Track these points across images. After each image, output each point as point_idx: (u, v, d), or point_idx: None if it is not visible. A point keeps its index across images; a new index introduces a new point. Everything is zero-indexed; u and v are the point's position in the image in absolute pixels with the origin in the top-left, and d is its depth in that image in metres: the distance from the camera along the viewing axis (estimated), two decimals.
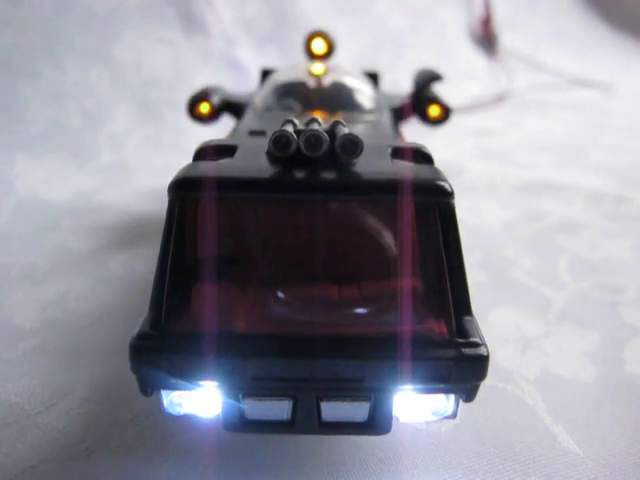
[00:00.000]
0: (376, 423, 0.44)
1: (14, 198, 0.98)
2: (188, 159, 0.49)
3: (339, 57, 1.04)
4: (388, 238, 0.45)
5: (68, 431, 0.52)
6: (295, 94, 0.83)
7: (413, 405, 0.44)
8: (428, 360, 0.42)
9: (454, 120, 0.96)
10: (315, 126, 0.47)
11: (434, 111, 0.93)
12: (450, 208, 0.44)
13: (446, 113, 0.93)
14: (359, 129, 0.70)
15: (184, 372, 0.42)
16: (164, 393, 0.44)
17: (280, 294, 0.44)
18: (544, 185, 1.15)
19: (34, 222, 0.95)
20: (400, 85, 1.66)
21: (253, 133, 0.69)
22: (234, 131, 0.72)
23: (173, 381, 0.42)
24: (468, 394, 0.44)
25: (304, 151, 0.44)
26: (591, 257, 0.87)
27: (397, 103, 0.93)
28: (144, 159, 1.16)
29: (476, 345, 0.43)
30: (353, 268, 0.45)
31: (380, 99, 0.89)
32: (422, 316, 0.44)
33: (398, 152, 0.51)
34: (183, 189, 0.43)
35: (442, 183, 0.44)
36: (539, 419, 0.54)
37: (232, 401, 0.43)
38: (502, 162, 1.29)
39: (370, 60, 1.78)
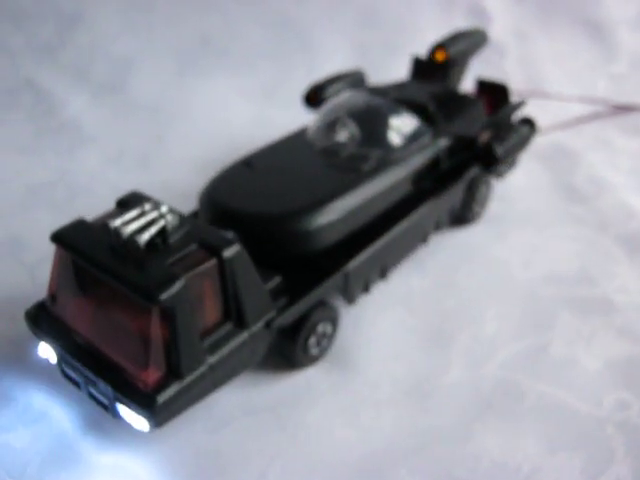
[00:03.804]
0: (112, 411, 0.70)
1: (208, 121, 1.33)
2: None
3: None
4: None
5: None
6: (351, 115, 0.96)
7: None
8: (118, 393, 0.66)
9: None
10: (141, 220, 0.68)
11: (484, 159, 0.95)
12: (166, 311, 0.63)
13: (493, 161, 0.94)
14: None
15: (39, 336, 0.75)
16: (40, 342, 0.77)
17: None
18: None
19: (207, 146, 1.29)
20: None
21: (245, 164, 0.89)
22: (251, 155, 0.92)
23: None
24: (153, 425, 0.66)
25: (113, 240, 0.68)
26: (556, 354, 0.85)
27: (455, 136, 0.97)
28: None
29: (149, 403, 0.64)
30: (121, 316, 0.69)
31: (436, 133, 0.95)
32: (147, 366, 0.66)
33: (203, 245, 0.69)
34: (54, 239, 0.71)
35: (160, 295, 0.61)
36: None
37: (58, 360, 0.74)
38: None
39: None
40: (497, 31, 1.49)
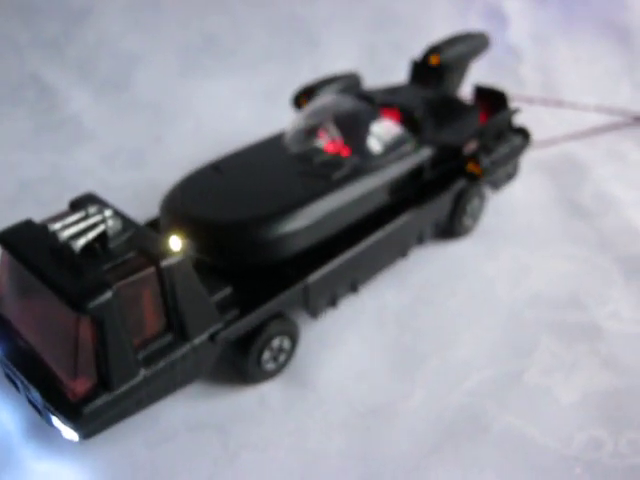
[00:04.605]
0: (46, 418, 0.68)
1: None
2: None
3: None
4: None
5: None
6: (329, 119, 0.91)
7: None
8: (46, 401, 0.63)
9: None
10: (80, 224, 0.66)
11: (471, 167, 0.90)
12: (95, 320, 0.61)
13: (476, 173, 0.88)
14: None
15: None
16: None
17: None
18: None
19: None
20: None
21: (214, 168, 0.86)
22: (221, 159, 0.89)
23: None
24: (81, 436, 0.64)
25: None
26: (530, 382, 0.79)
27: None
28: None
29: (75, 413, 0.62)
30: (54, 323, 0.66)
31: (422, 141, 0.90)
32: (76, 375, 0.64)
33: (143, 252, 0.66)
34: None
35: (88, 304, 0.59)
36: None
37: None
38: None
39: None
40: (514, 34, 1.42)
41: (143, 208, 0.96)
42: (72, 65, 1.37)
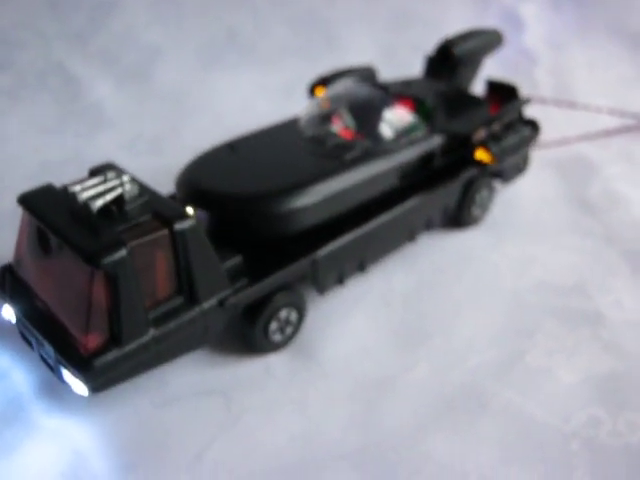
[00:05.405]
0: (57, 373, 0.70)
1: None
2: None
3: None
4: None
5: None
6: (344, 105, 0.94)
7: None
8: (59, 355, 0.66)
9: None
10: (99, 187, 0.69)
11: (479, 155, 0.91)
12: (109, 276, 0.63)
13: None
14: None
15: (1, 297, 0.76)
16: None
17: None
18: None
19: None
20: None
21: (229, 147, 0.89)
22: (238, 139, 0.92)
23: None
24: (90, 389, 0.66)
25: None
26: (532, 363, 0.80)
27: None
28: None
29: (86, 366, 0.64)
30: (70, 280, 0.69)
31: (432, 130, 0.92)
32: (88, 330, 0.66)
33: (157, 216, 0.68)
34: (19, 202, 0.73)
35: (103, 259, 0.61)
36: None
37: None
38: None
39: None
40: (530, 38, 1.44)
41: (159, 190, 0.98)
42: (96, 55, 1.41)
